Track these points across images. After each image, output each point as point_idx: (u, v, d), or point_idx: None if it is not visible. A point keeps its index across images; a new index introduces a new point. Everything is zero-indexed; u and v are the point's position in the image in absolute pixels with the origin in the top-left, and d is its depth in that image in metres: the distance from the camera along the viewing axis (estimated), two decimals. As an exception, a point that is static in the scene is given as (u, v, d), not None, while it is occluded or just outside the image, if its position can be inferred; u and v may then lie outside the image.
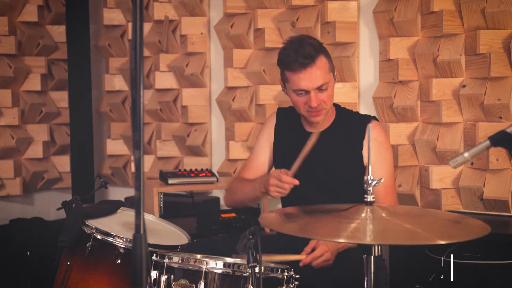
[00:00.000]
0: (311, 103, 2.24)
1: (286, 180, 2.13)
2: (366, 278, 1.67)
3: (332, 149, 2.35)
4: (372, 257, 1.64)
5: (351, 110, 2.48)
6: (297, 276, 2.00)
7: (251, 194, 2.36)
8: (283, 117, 2.52)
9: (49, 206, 3.99)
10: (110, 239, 2.20)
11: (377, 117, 2.72)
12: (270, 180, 2.17)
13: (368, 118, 2.40)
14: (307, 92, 2.25)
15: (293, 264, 2.03)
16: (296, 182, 2.14)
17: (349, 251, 2.22)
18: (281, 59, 2.30)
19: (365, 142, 2.32)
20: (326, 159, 2.34)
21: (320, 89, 2.24)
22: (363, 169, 2.27)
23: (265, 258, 2.03)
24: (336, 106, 2.44)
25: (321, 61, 2.24)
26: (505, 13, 2.76)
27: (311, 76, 2.21)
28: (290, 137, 2.44)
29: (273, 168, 2.54)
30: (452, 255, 2.42)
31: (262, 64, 3.43)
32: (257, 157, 2.52)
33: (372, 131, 2.18)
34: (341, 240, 1.54)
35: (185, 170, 3.25)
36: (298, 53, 2.21)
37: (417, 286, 2.50)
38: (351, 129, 2.36)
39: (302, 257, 2.12)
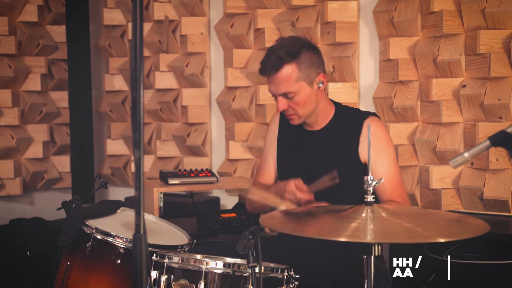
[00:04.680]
0: (277, 107, 2.30)
1: (301, 197, 2.15)
2: (366, 279, 1.66)
3: (329, 147, 2.35)
4: (372, 257, 1.64)
5: (352, 107, 2.45)
6: (297, 276, 2.00)
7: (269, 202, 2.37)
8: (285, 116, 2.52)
9: (49, 206, 3.97)
10: (110, 239, 2.20)
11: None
12: (286, 195, 2.18)
13: (365, 114, 2.36)
14: (275, 96, 2.31)
15: (293, 264, 2.02)
16: (312, 197, 2.16)
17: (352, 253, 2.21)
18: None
19: (361, 139, 2.29)
20: (323, 158, 2.34)
21: (285, 96, 2.27)
22: (360, 166, 2.25)
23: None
24: (336, 104, 2.43)
25: (287, 71, 2.24)
26: (505, 13, 2.76)
27: (275, 83, 2.27)
28: (292, 136, 2.44)
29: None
30: (449, 256, 2.42)
31: (262, 64, 3.43)
32: (267, 159, 2.53)
33: (370, 127, 2.16)
34: (342, 239, 1.53)
35: (185, 170, 3.25)
36: (266, 60, 2.27)
37: (421, 286, 2.49)
38: (348, 126, 2.34)
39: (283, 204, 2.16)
